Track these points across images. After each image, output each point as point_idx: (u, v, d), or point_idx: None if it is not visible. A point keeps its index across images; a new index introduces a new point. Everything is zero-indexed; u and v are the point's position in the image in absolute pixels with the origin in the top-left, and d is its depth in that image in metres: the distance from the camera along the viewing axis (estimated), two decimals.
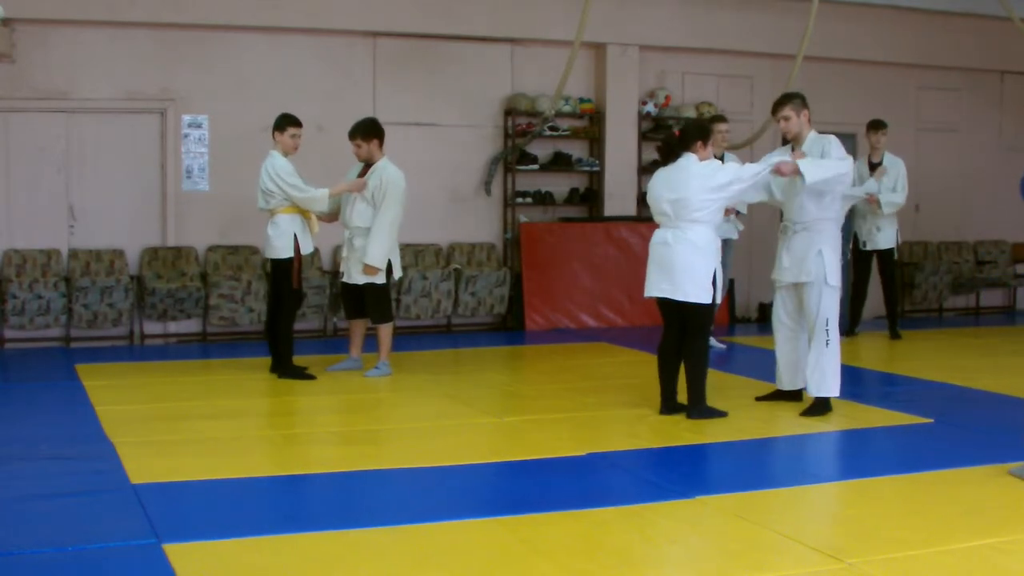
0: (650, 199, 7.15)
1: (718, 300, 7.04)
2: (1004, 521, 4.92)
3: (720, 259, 7.05)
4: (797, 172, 6.91)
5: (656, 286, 7.05)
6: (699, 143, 7.00)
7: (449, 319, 11.62)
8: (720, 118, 9.87)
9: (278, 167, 8.25)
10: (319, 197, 8.30)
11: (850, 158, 7.17)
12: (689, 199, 6.87)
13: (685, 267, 6.89)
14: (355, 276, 8.52)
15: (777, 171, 6.97)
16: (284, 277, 8.41)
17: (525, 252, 11.71)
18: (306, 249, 8.45)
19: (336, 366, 8.79)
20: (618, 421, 7.10)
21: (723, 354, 9.66)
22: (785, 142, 7.54)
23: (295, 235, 8.33)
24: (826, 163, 6.97)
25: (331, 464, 5.95)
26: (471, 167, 11.83)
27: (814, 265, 7.05)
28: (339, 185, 8.52)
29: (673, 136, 7.19)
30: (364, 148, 8.53)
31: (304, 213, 8.41)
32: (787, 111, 7.14)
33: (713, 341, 9.32)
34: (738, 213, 9.23)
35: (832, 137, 7.19)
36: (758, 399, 7.54)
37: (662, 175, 7.07)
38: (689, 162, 6.95)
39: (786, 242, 7.19)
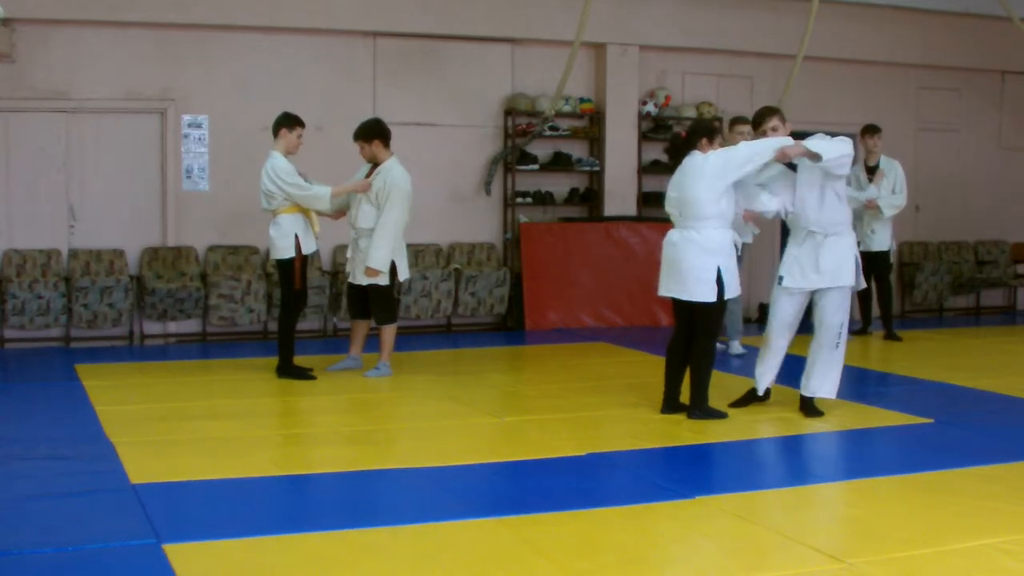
0: (665, 200, 7.22)
1: (728, 295, 7.01)
2: (1004, 521, 4.92)
3: (733, 257, 7.03)
4: (805, 154, 6.86)
5: (665, 286, 7.13)
6: (704, 140, 7.05)
7: (449, 319, 11.62)
8: (741, 119, 9.54)
9: (278, 168, 8.24)
10: (321, 195, 8.29)
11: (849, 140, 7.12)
12: (691, 195, 6.92)
13: (690, 267, 6.92)
14: (359, 277, 8.54)
15: (782, 155, 6.90)
16: (287, 277, 8.42)
17: (525, 252, 11.71)
18: (308, 249, 8.44)
19: (336, 366, 8.79)
20: (618, 421, 7.10)
21: (724, 355, 9.65)
22: None
23: (296, 235, 8.34)
24: (832, 142, 6.94)
25: (331, 464, 5.95)
26: (471, 167, 11.83)
27: (848, 270, 7.06)
28: (343, 185, 8.53)
29: (679, 136, 7.26)
30: (366, 149, 8.55)
31: (306, 212, 8.41)
32: (775, 122, 7.10)
33: (737, 347, 9.44)
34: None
35: (819, 133, 7.18)
36: (732, 405, 7.38)
37: (675, 176, 7.15)
38: (692, 160, 7.00)
39: (814, 248, 7.04)
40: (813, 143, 6.90)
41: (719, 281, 6.94)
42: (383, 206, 8.39)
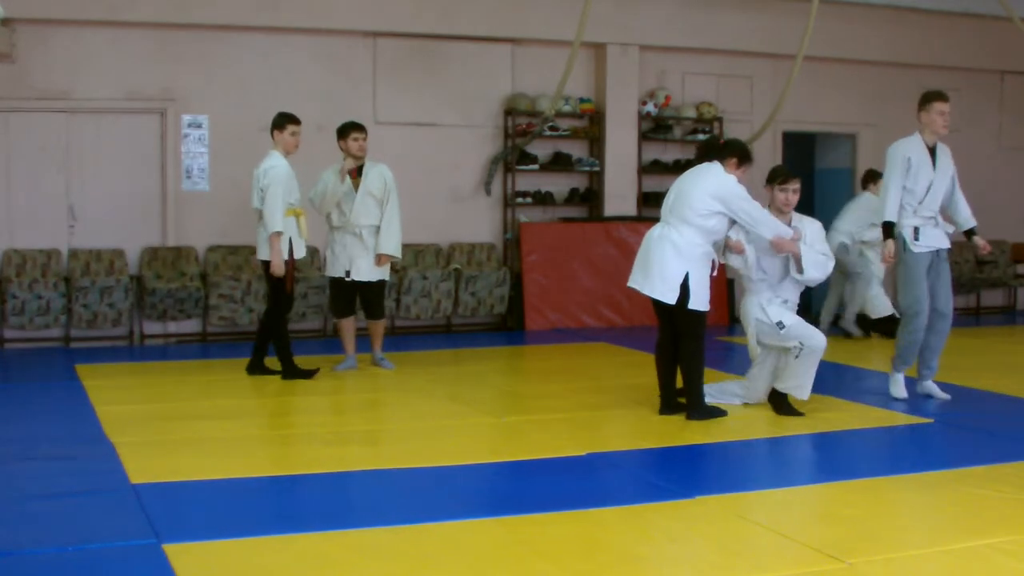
0: (668, 192, 7.25)
1: (693, 306, 6.93)
2: (1004, 521, 4.92)
3: (706, 269, 6.98)
4: (796, 258, 6.98)
5: (633, 277, 7.17)
6: (734, 160, 7.05)
7: (449, 319, 11.62)
8: (939, 96, 7.73)
9: (278, 179, 8.16)
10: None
11: (833, 259, 7.23)
12: (689, 194, 6.93)
13: (658, 263, 6.94)
14: (368, 272, 8.70)
15: (777, 246, 6.96)
16: (279, 279, 8.37)
17: (525, 252, 11.71)
18: (299, 253, 8.38)
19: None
20: (618, 421, 7.10)
21: (725, 356, 9.64)
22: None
23: (290, 239, 8.30)
24: (820, 260, 7.06)
25: (331, 464, 5.94)
26: (471, 167, 11.83)
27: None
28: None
29: (716, 139, 7.28)
30: (365, 143, 8.70)
31: (298, 217, 8.34)
32: (798, 184, 7.11)
33: (936, 390, 7.86)
34: None
35: (819, 224, 7.24)
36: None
37: (687, 172, 7.20)
38: (713, 167, 7.02)
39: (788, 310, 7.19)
40: (808, 257, 6.98)
41: (685, 287, 6.88)
42: (387, 201, 8.67)
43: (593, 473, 5.82)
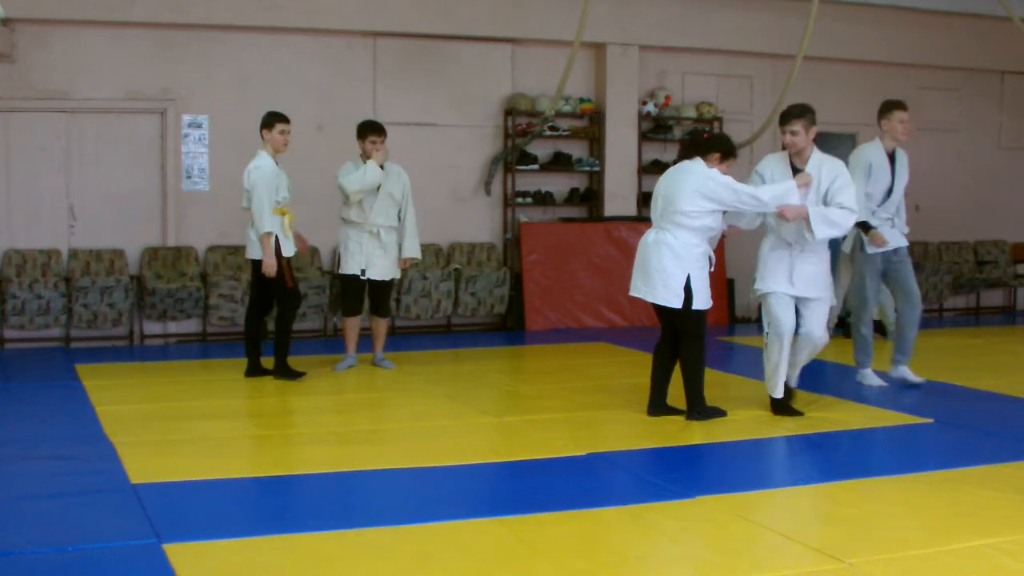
0: (653, 195, 7.18)
1: (696, 306, 6.90)
2: (1004, 521, 4.92)
3: (705, 269, 6.94)
4: (803, 219, 6.83)
5: (634, 285, 7.12)
6: (717, 155, 6.93)
7: (449, 319, 11.62)
8: (899, 105, 8.09)
9: (262, 180, 8.15)
10: (269, 224, 8.16)
11: (856, 211, 7.00)
12: (676, 199, 6.84)
13: (658, 269, 6.89)
14: (384, 272, 8.83)
15: (780, 215, 6.83)
16: (268, 279, 8.33)
17: (525, 252, 11.72)
18: (287, 252, 8.32)
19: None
20: (618, 421, 7.10)
21: (725, 356, 9.64)
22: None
23: (276, 237, 8.27)
24: (835, 217, 6.86)
25: (331, 464, 5.94)
26: (471, 167, 11.83)
27: (826, 283, 7.07)
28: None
29: (700, 135, 7.19)
30: (384, 144, 8.72)
31: (283, 216, 8.31)
32: (797, 126, 6.92)
33: (910, 375, 8.12)
34: None
35: (842, 165, 7.02)
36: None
37: (669, 172, 7.09)
38: (694, 165, 6.91)
39: (791, 259, 7.01)
40: (817, 216, 6.82)
41: (688, 289, 6.86)
42: (406, 204, 8.83)
43: (593, 473, 5.82)
